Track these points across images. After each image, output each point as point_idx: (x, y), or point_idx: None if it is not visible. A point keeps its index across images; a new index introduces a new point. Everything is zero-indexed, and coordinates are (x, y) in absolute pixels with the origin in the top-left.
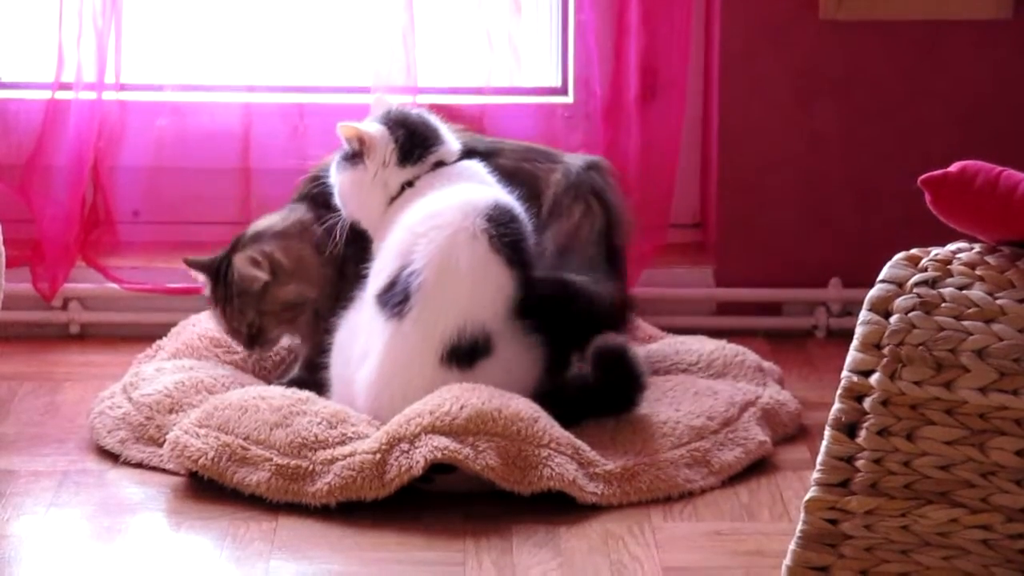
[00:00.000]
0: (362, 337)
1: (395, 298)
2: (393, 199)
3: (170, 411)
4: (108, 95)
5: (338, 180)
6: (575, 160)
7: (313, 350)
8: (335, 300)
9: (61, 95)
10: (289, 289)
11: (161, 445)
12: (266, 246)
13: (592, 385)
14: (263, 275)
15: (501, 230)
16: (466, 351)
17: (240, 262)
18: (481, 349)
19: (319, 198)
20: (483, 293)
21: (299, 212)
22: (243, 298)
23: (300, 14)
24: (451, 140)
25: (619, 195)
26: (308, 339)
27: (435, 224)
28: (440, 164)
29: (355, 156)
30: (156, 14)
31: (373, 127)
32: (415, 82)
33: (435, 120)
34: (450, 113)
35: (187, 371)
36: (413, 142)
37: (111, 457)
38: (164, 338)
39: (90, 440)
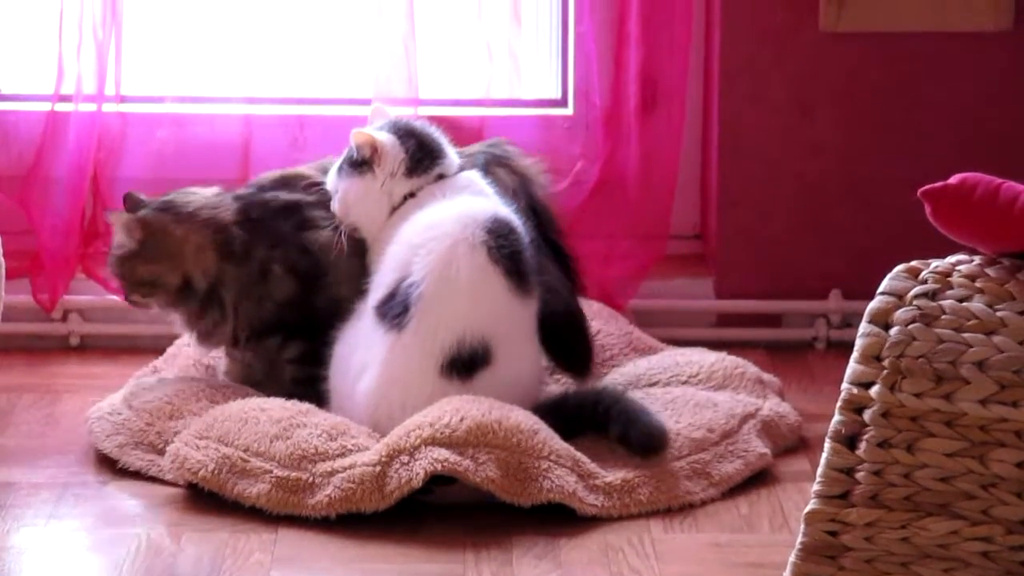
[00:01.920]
0: (361, 349)
1: (394, 309)
2: (394, 209)
3: (170, 418)
4: (108, 107)
5: (342, 187)
6: (473, 148)
7: (202, 338)
8: (257, 298)
9: (61, 107)
10: (149, 268)
11: (160, 452)
12: (160, 217)
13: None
14: (129, 243)
15: (500, 242)
16: (466, 362)
17: (118, 224)
18: (481, 360)
19: (254, 201)
20: (482, 304)
21: (225, 201)
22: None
23: (300, 25)
24: (452, 153)
25: (524, 157)
26: (189, 326)
27: (434, 236)
28: (441, 176)
29: (363, 163)
30: (156, 25)
31: (384, 135)
32: (416, 93)
33: (438, 132)
34: (450, 125)
35: (188, 380)
36: (422, 153)
37: (111, 469)
38: (160, 359)
39: (90, 452)
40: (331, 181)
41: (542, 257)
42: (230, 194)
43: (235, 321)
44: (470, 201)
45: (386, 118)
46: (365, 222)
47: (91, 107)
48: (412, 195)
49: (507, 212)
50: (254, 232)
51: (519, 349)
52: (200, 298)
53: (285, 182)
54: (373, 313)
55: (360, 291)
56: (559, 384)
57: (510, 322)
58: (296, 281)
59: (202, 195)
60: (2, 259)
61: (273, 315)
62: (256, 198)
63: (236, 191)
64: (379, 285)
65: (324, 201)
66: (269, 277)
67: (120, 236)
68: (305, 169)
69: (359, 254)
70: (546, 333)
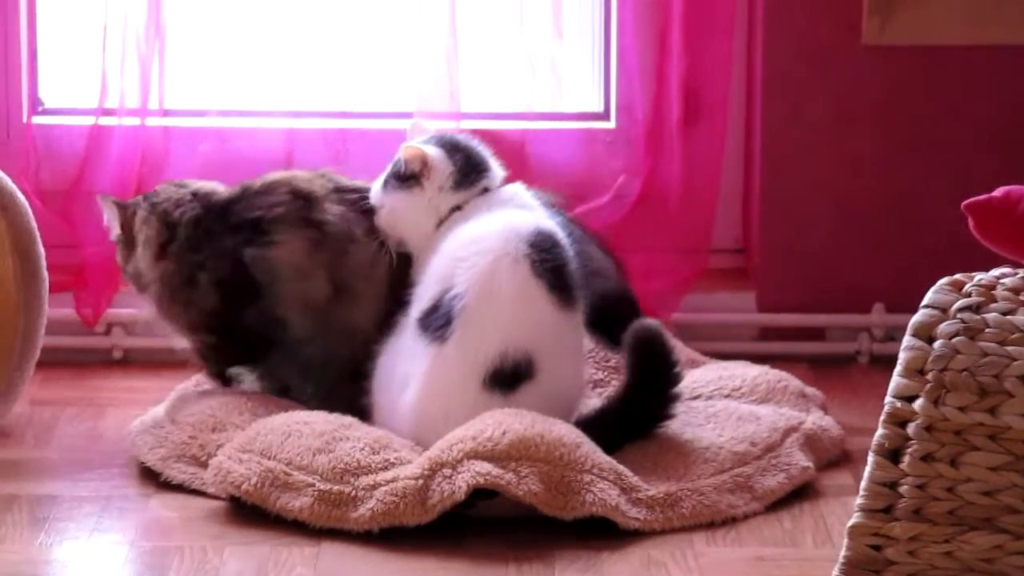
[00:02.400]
0: (404, 362)
1: (437, 322)
2: (441, 223)
3: (213, 430)
4: (151, 121)
5: (388, 201)
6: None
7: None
8: (183, 302)
9: (104, 121)
10: (135, 261)
11: (203, 465)
12: (133, 207)
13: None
14: (116, 231)
15: (543, 255)
16: (508, 375)
17: (105, 209)
18: (523, 373)
19: (213, 208)
20: (525, 317)
21: (193, 203)
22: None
23: (342, 39)
24: (496, 166)
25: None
26: (160, 320)
27: (477, 249)
28: (486, 190)
29: (410, 178)
30: (199, 40)
31: (432, 149)
32: (458, 107)
33: (482, 146)
34: (491, 139)
35: (230, 393)
36: (469, 167)
37: (154, 482)
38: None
39: (133, 465)
40: (376, 195)
41: (585, 244)
42: (208, 195)
43: (169, 321)
44: (514, 215)
45: (425, 133)
46: (412, 236)
47: (134, 121)
48: (458, 208)
49: (551, 225)
50: (197, 239)
51: (562, 363)
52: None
53: (269, 190)
54: (416, 325)
55: (306, 315)
56: (601, 398)
57: (553, 336)
58: (220, 295)
59: (193, 190)
60: (46, 273)
61: (199, 322)
62: (218, 206)
63: (219, 192)
64: (422, 297)
65: (289, 218)
66: (195, 285)
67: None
68: (302, 174)
69: (302, 278)
70: (600, 315)
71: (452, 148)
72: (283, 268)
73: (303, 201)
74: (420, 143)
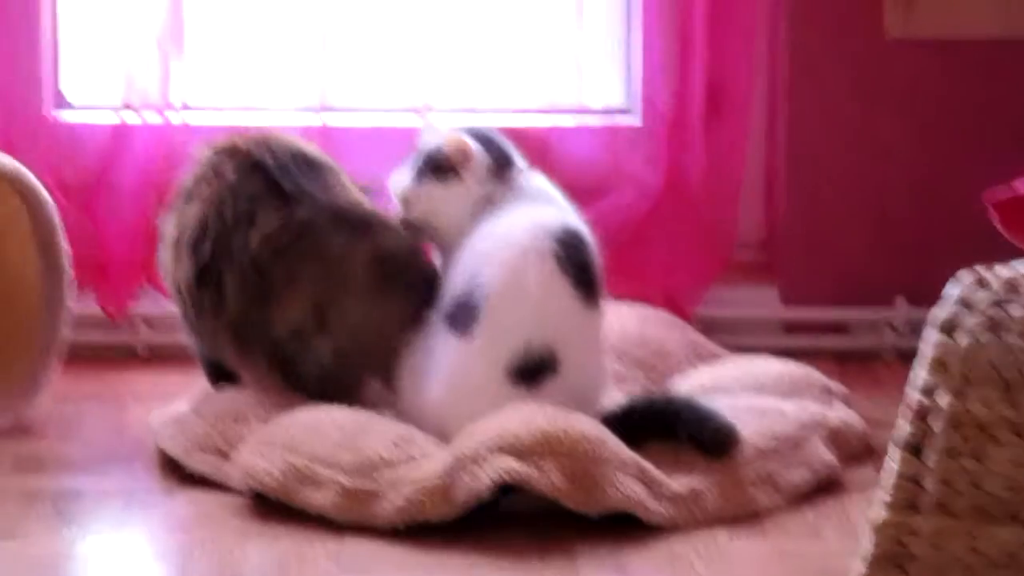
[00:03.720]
0: (429, 354)
1: (462, 316)
2: (474, 215)
3: (235, 420)
4: (172, 116)
5: (424, 195)
6: None
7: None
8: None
9: (127, 117)
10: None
11: (225, 456)
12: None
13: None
14: None
15: (569, 251)
16: (532, 370)
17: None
18: (547, 368)
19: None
20: (549, 313)
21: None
22: None
23: (358, 35)
24: (519, 158)
25: None
26: None
27: (504, 244)
28: (514, 182)
29: (448, 170)
30: (219, 36)
31: (473, 141)
32: (475, 103)
33: (505, 138)
34: (515, 134)
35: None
36: (501, 159)
37: (178, 477)
38: None
39: (156, 460)
40: (404, 187)
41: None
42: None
43: None
44: (541, 210)
45: (436, 129)
46: (448, 228)
47: (156, 117)
48: (490, 201)
49: (577, 222)
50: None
51: (585, 358)
52: None
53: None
54: (441, 319)
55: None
56: (624, 392)
57: (576, 331)
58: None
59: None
60: (69, 268)
61: None
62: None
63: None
64: (449, 291)
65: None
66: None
67: None
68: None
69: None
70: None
71: (485, 140)
72: None
73: None
74: (463, 133)
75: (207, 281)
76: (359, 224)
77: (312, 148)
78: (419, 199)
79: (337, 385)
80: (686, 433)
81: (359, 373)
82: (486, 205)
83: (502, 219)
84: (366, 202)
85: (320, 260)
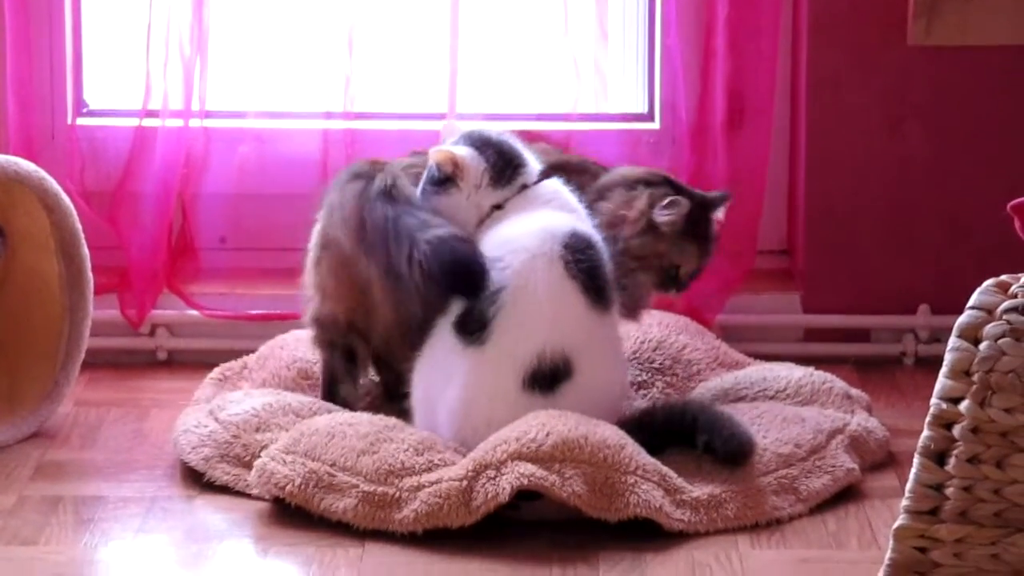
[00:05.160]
0: (443, 365)
1: (473, 325)
2: (482, 221)
3: (256, 430)
4: (194, 122)
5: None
6: None
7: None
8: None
9: (148, 123)
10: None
11: (247, 465)
12: None
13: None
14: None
15: (577, 256)
16: (547, 376)
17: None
18: (562, 374)
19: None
20: (561, 318)
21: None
22: None
23: (378, 42)
24: (532, 160)
25: None
26: None
27: (512, 249)
28: (525, 186)
29: (446, 181)
30: (239, 42)
31: (462, 150)
32: (496, 109)
33: (516, 140)
34: (536, 140)
35: (275, 395)
36: (504, 163)
37: (198, 483)
38: (251, 355)
39: (177, 466)
40: None
41: None
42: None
43: None
44: (549, 216)
45: (458, 133)
46: None
47: (177, 123)
48: (499, 207)
49: (586, 227)
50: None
51: (600, 363)
52: None
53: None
54: (452, 328)
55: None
56: (645, 399)
57: (589, 336)
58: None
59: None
60: (91, 275)
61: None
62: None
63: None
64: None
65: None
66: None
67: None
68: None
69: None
70: None
71: (483, 145)
72: None
73: None
74: (448, 145)
75: None
76: None
77: None
78: None
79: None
80: (702, 441)
81: None
82: (492, 211)
83: (510, 225)
84: None
85: None
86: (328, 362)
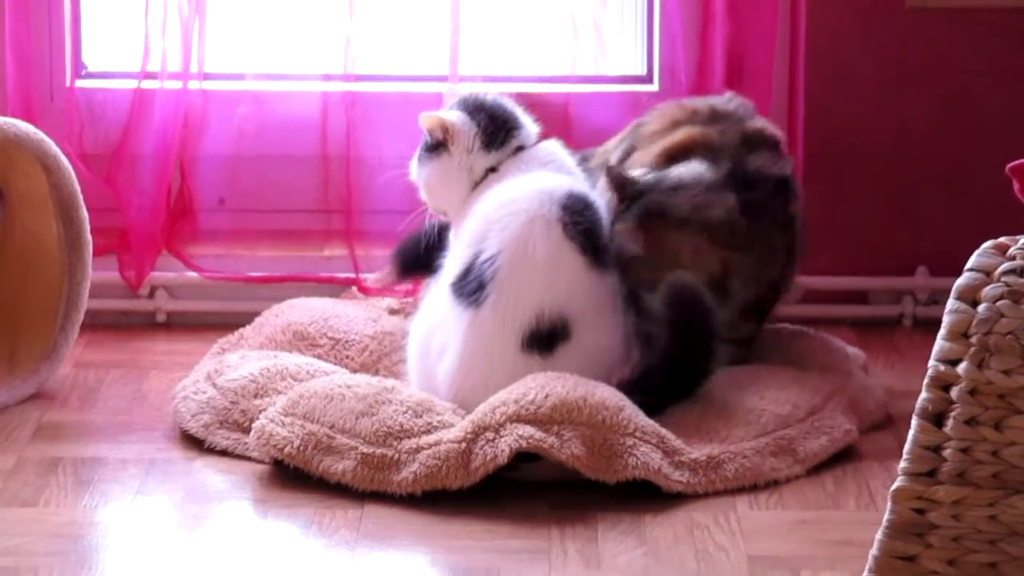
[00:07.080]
0: (439, 328)
1: (470, 286)
2: (476, 185)
3: (255, 396)
4: (192, 84)
5: (423, 174)
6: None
7: None
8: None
9: (147, 84)
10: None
11: (246, 431)
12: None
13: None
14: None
15: (575, 218)
16: (545, 337)
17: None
18: (560, 335)
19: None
20: (559, 280)
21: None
22: None
23: (378, 3)
24: (529, 123)
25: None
26: None
27: (510, 211)
28: (520, 148)
29: (438, 146)
30: (238, 3)
31: (453, 114)
32: (494, 70)
33: (511, 104)
34: (535, 102)
35: (272, 359)
36: (495, 126)
37: (197, 445)
38: (247, 327)
39: (176, 428)
40: (414, 172)
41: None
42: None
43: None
44: (546, 177)
45: (464, 94)
46: (449, 202)
47: (176, 84)
48: (494, 169)
49: (583, 188)
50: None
51: (598, 324)
52: None
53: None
54: (449, 290)
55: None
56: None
57: (587, 297)
58: None
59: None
60: (89, 236)
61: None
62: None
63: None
64: (454, 261)
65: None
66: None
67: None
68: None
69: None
70: None
71: (475, 109)
72: None
73: None
74: (440, 111)
75: None
76: None
77: None
78: (421, 177)
79: None
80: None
81: None
82: (488, 174)
83: (506, 187)
84: None
85: None
86: None
